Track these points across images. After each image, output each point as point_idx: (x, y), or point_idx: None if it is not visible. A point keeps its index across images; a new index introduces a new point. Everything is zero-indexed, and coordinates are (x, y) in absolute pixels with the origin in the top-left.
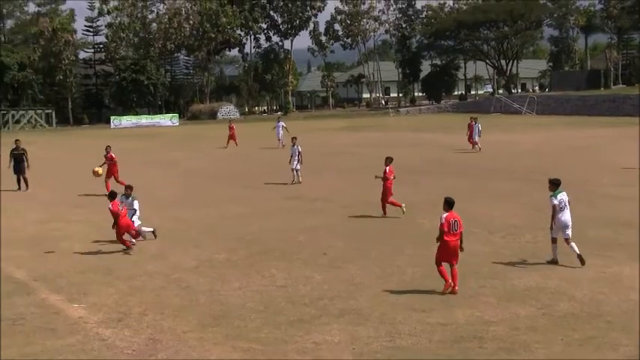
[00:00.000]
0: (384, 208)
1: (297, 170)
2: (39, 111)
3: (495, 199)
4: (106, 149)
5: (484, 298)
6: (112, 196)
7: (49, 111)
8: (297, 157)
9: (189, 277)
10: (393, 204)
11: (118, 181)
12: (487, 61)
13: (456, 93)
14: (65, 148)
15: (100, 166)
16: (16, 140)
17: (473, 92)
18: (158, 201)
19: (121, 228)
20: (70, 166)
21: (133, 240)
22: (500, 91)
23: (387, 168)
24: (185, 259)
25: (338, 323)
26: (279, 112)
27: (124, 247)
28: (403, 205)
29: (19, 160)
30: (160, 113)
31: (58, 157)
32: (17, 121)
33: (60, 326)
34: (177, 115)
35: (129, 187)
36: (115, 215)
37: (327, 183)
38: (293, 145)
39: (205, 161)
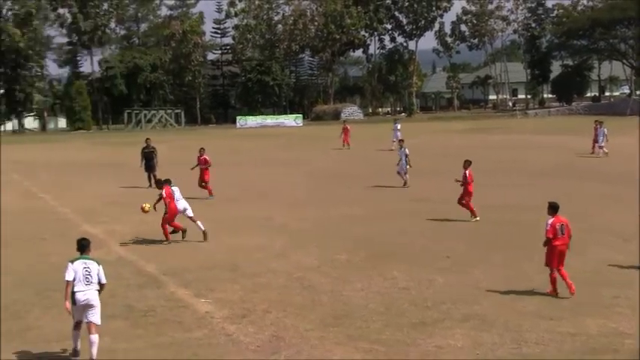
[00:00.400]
0: (470, 209)
1: (404, 173)
2: (169, 111)
3: (629, 206)
4: (200, 151)
5: (618, 309)
6: (166, 182)
7: (179, 111)
8: (404, 160)
9: (311, 277)
10: (466, 206)
11: (204, 184)
12: (624, 60)
13: (588, 94)
14: (193, 147)
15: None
16: (147, 139)
17: (607, 94)
18: (282, 200)
19: (171, 215)
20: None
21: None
22: (639, 93)
23: (467, 171)
24: (307, 259)
25: (461, 328)
26: (396, 115)
27: (165, 239)
28: (478, 218)
29: (149, 158)
30: (284, 114)
31: (186, 155)
32: (149, 121)
33: (187, 320)
34: (301, 115)
35: (162, 182)
36: (167, 201)
37: (447, 185)
38: (400, 148)
39: (327, 162)
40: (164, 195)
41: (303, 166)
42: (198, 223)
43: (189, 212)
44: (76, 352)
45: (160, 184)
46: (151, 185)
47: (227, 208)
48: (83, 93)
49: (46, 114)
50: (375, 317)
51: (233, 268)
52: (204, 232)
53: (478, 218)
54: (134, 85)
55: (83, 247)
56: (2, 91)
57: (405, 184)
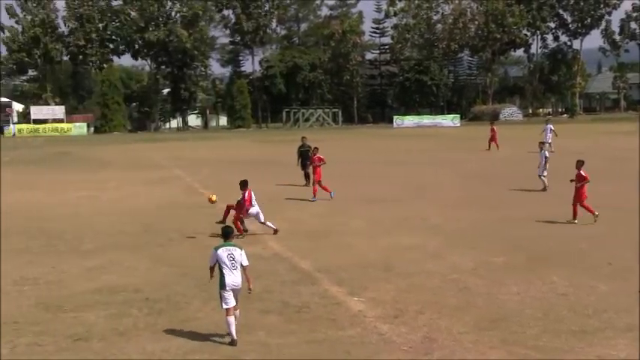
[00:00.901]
0: (575, 212)
1: (543, 177)
2: (326, 110)
3: None
4: (313, 151)
5: None
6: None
7: (336, 110)
8: (543, 163)
9: (466, 279)
10: (586, 208)
11: (316, 183)
12: None
13: None
14: (349, 146)
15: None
16: (303, 137)
17: None
18: (437, 200)
19: (244, 213)
20: (353, 163)
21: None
22: None
23: (581, 171)
24: (463, 261)
25: (624, 338)
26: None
27: (237, 234)
28: (596, 212)
29: (305, 156)
30: (441, 114)
31: (341, 155)
32: (307, 119)
33: (341, 317)
34: (458, 115)
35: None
36: (244, 202)
37: (602, 189)
38: (541, 150)
39: (482, 163)
40: (246, 197)
41: (459, 166)
42: (268, 223)
43: (261, 217)
44: (233, 342)
45: (244, 185)
46: (307, 184)
47: (382, 207)
48: (244, 92)
49: (208, 112)
50: (532, 322)
51: (387, 267)
52: (275, 230)
53: (597, 213)
54: (293, 84)
55: (227, 234)
56: (169, 89)
57: (544, 188)
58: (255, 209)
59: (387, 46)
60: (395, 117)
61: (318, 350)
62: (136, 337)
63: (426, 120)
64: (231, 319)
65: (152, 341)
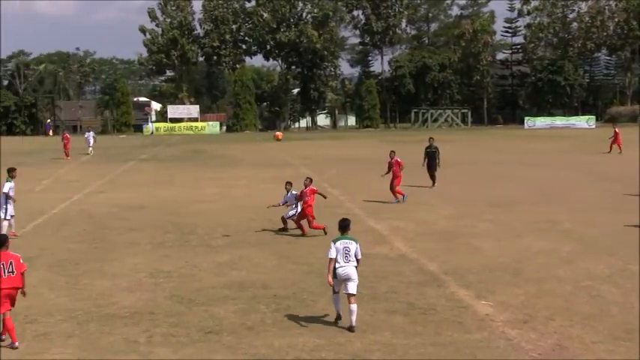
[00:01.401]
0: None
1: None
2: (455, 110)
3: None
4: (390, 154)
5: None
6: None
7: (465, 111)
8: None
9: (600, 286)
10: None
11: (393, 190)
12: None
13: None
14: (478, 147)
15: (386, 173)
16: (430, 138)
17: None
18: (567, 204)
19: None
20: (482, 165)
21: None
22: None
23: None
24: (597, 267)
25: None
26: None
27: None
28: None
29: (431, 157)
30: (575, 115)
31: (470, 156)
32: (435, 120)
33: (467, 321)
34: (593, 117)
35: (289, 183)
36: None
37: None
38: None
39: (615, 165)
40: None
41: (589, 168)
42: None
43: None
44: (339, 316)
45: (311, 180)
46: (434, 185)
47: (511, 209)
48: (373, 92)
49: (337, 112)
50: None
51: (515, 271)
52: (324, 229)
53: None
54: (422, 84)
55: (344, 227)
56: (298, 89)
57: None
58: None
59: (519, 46)
60: (526, 118)
61: (444, 353)
62: (264, 333)
63: (559, 121)
64: (337, 296)
65: (279, 337)
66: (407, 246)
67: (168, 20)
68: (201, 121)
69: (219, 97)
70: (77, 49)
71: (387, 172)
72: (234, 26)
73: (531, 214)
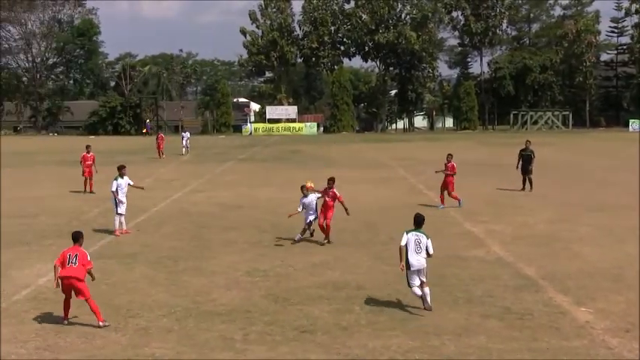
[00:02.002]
0: None
1: None
2: (556, 112)
3: None
4: (447, 158)
5: None
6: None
7: (566, 113)
8: None
9: None
10: None
11: (451, 195)
12: None
13: None
14: (579, 150)
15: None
16: (527, 141)
17: None
18: None
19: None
20: (584, 168)
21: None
22: None
23: None
24: None
25: None
26: None
27: None
28: None
29: (526, 160)
30: None
31: (570, 159)
32: (535, 122)
33: (565, 327)
34: None
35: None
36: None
37: None
38: None
39: None
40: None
41: None
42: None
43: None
44: (424, 301)
45: (333, 181)
46: (524, 188)
47: (612, 214)
48: (471, 93)
49: (434, 113)
50: None
51: (617, 278)
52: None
53: None
54: (522, 85)
55: (419, 222)
56: (396, 91)
57: None
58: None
59: (625, 46)
60: (631, 121)
61: (541, 359)
62: (357, 333)
63: None
64: (418, 290)
65: (373, 338)
66: (504, 249)
67: (268, 22)
68: (298, 121)
69: (317, 98)
70: (180, 50)
71: (442, 171)
72: (332, 28)
73: (634, 220)
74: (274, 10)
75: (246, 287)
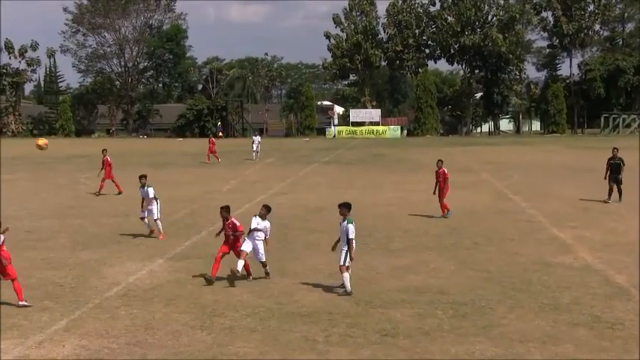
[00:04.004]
0: None
1: None
2: None
3: None
4: (437, 164)
5: None
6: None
7: None
8: None
9: None
10: None
11: (441, 202)
12: None
13: None
14: None
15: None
16: (614, 149)
17: None
18: None
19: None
20: None
21: None
22: None
23: None
24: None
25: None
26: None
27: None
28: None
29: (615, 169)
30: None
31: None
32: (627, 126)
33: None
34: None
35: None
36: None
37: None
38: None
39: None
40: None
41: None
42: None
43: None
44: None
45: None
46: (608, 200)
47: None
48: (559, 96)
49: (520, 116)
50: None
51: None
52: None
53: None
54: (613, 88)
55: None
56: (481, 94)
57: None
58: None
59: None
60: None
61: None
62: (440, 338)
63: None
64: None
65: (456, 344)
66: (593, 256)
67: (353, 25)
68: (382, 124)
69: (401, 101)
70: (266, 54)
71: (436, 185)
72: (417, 30)
73: None
74: (358, 13)
75: (329, 289)
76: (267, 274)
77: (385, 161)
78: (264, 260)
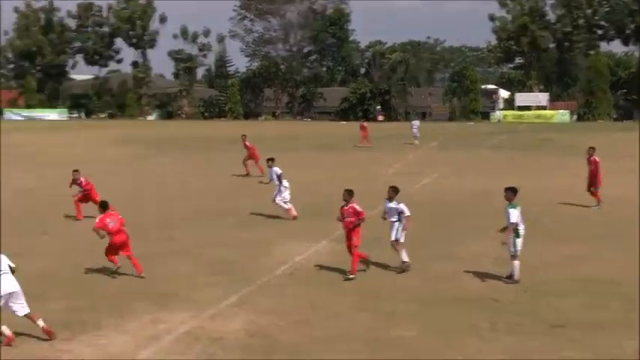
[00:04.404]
0: None
1: None
2: None
3: None
4: (588, 152)
5: None
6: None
7: None
8: None
9: None
10: None
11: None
12: None
13: None
14: None
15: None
16: None
17: None
18: None
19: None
20: None
21: None
22: None
23: None
24: None
25: None
26: None
27: None
28: None
29: None
30: None
31: None
32: None
33: None
34: None
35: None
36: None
37: None
38: None
39: None
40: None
41: None
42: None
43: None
44: None
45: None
46: None
47: None
48: None
49: None
50: None
51: None
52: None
53: None
54: None
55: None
56: None
57: None
58: None
59: None
60: None
61: None
62: (612, 331)
63: None
64: None
65: (629, 338)
66: None
67: (519, 7)
68: (550, 109)
69: (570, 84)
70: (428, 37)
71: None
72: (588, 11)
73: None
74: None
75: (494, 276)
76: (403, 263)
77: (553, 146)
78: (402, 241)
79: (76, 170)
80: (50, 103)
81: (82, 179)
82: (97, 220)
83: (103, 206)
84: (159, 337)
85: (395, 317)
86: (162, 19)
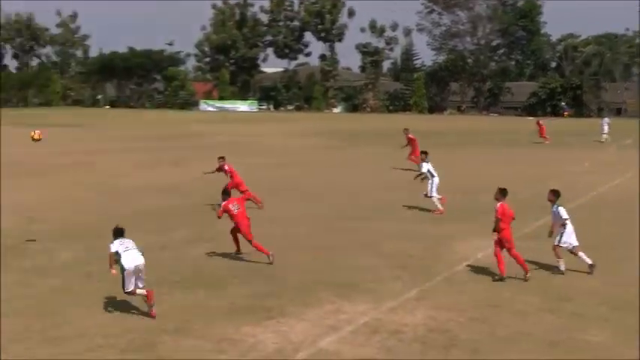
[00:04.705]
0: None
1: None
2: None
3: None
4: None
5: None
6: None
7: None
8: None
9: None
10: None
11: None
12: None
13: None
14: None
15: None
16: None
17: None
18: None
19: None
20: None
21: None
22: None
23: None
24: None
25: None
26: None
27: None
28: None
29: None
30: None
31: None
32: None
33: None
34: None
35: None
36: None
37: None
38: None
39: None
40: None
41: None
42: None
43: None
44: None
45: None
46: None
47: None
48: None
49: None
50: None
51: None
52: None
53: None
54: None
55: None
56: None
57: None
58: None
59: None
60: None
61: None
62: None
63: None
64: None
65: None
66: None
67: None
68: None
69: None
70: (627, 29)
71: None
72: None
73: None
74: None
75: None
76: (590, 266)
77: None
78: (575, 244)
79: (221, 157)
80: (242, 95)
81: (227, 166)
82: (221, 206)
83: (226, 193)
84: (339, 327)
85: (585, 320)
86: (351, 13)
